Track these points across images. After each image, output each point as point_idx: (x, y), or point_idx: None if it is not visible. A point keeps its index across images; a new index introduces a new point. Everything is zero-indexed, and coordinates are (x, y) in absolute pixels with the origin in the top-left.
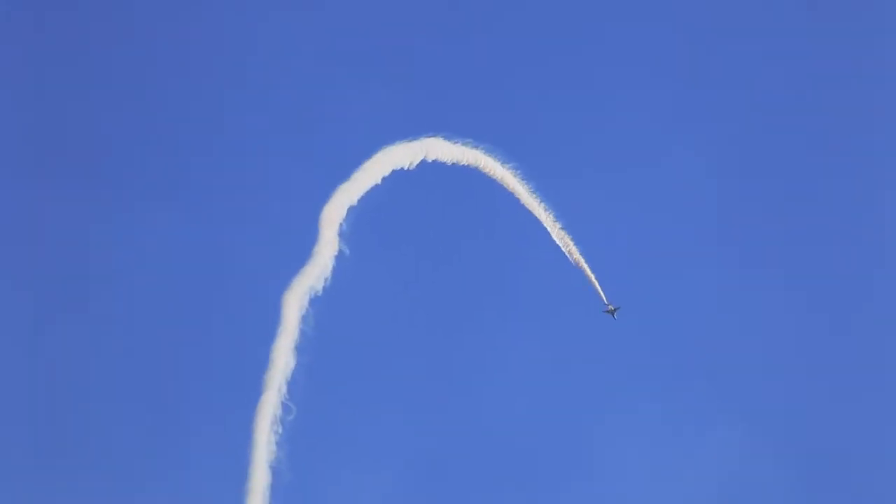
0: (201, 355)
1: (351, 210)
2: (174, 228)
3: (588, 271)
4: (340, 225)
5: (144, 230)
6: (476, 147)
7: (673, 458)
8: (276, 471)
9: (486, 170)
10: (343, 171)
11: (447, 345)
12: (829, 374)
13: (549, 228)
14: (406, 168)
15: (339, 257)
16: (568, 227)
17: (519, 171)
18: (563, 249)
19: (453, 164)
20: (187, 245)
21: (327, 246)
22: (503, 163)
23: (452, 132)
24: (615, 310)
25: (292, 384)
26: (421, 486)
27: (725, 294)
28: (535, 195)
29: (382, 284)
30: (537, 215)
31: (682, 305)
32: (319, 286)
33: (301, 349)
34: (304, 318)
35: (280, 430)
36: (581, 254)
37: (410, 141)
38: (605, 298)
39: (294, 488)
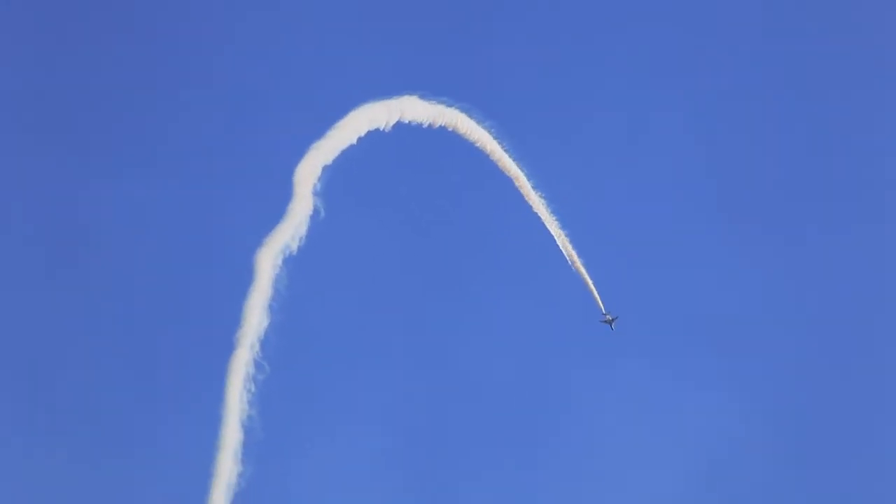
0: (174, 312)
1: (326, 169)
2: (150, 186)
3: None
4: (315, 184)
5: (120, 188)
6: (452, 106)
7: (660, 416)
8: (248, 428)
9: (463, 130)
10: (318, 129)
11: (424, 304)
12: (823, 338)
13: (526, 196)
14: (382, 129)
15: (314, 216)
16: (542, 188)
17: (495, 131)
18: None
19: (429, 125)
20: (162, 202)
21: (302, 205)
22: (480, 122)
23: (429, 91)
24: (613, 320)
25: (265, 343)
26: (397, 443)
27: (716, 256)
28: (510, 155)
29: (358, 244)
30: (514, 178)
31: (670, 266)
32: (294, 245)
33: (274, 308)
34: (277, 277)
35: (253, 389)
36: (553, 211)
37: (386, 100)
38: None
39: (266, 446)
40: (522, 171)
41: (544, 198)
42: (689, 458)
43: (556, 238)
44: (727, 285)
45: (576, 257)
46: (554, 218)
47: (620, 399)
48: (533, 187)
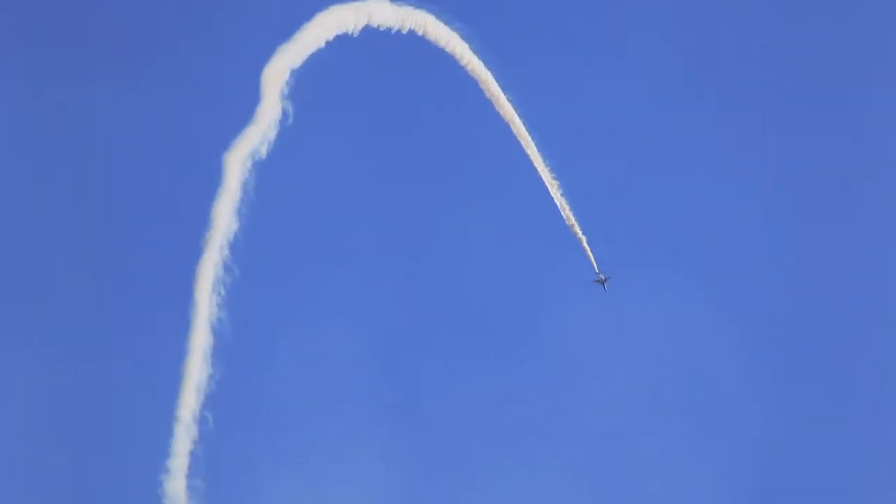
0: (141, 213)
1: (294, 73)
2: (115, 88)
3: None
4: (283, 87)
5: (86, 91)
6: (422, 9)
7: (635, 327)
8: (217, 331)
9: (432, 34)
10: (284, 31)
11: (394, 209)
12: (800, 247)
13: (495, 101)
14: (350, 33)
15: (283, 121)
16: (511, 90)
17: (465, 34)
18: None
19: (398, 29)
20: (128, 103)
21: (270, 108)
22: (450, 26)
23: None
24: (606, 280)
25: (234, 246)
26: (369, 346)
27: (692, 163)
28: (480, 58)
29: (327, 149)
30: (482, 82)
31: (644, 174)
32: (263, 150)
33: (243, 212)
34: (246, 181)
35: (222, 292)
36: (521, 115)
37: (354, 2)
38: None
39: (237, 349)
40: (491, 74)
41: (512, 101)
42: (667, 367)
43: (524, 146)
44: (703, 191)
45: (544, 166)
46: (522, 121)
47: (597, 305)
48: (502, 90)
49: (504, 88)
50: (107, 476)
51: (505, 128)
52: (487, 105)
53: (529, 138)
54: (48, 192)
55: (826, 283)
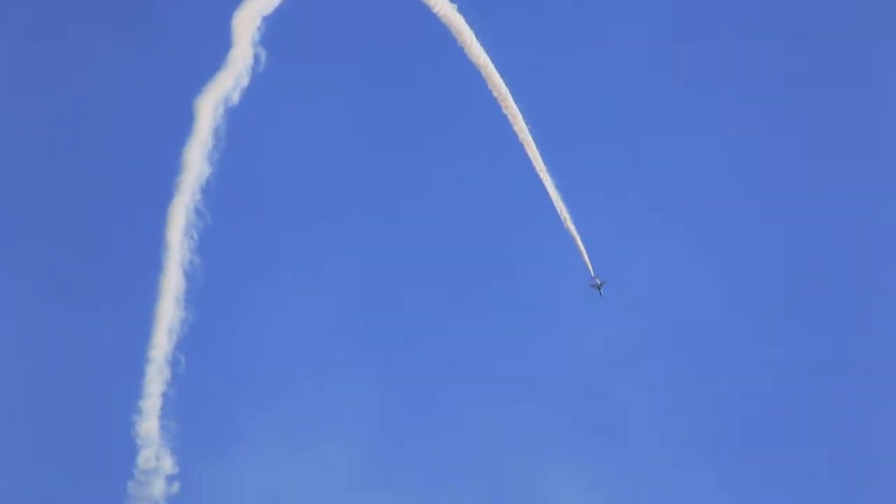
0: (111, 155)
1: (265, 20)
2: (85, 33)
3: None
4: (254, 34)
5: (56, 38)
6: None
7: (614, 270)
8: (190, 275)
9: None
10: None
11: (367, 157)
12: (784, 183)
13: (468, 47)
14: None
15: (255, 67)
16: (484, 36)
17: None
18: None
19: None
20: (99, 49)
21: (242, 54)
22: None
23: None
24: (601, 284)
25: (206, 191)
26: (344, 292)
27: (666, 102)
28: (454, 6)
29: (300, 96)
30: (455, 29)
31: (615, 115)
32: (235, 96)
33: (215, 157)
34: (218, 127)
35: (194, 236)
36: (494, 60)
37: None
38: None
39: (209, 293)
40: (464, 19)
41: (485, 47)
42: (646, 308)
43: (496, 94)
44: (682, 128)
45: (517, 112)
46: (495, 67)
47: (576, 249)
48: (475, 36)
49: (477, 34)
50: (79, 416)
51: (477, 74)
52: (459, 52)
53: (503, 84)
54: (19, 137)
55: (810, 221)
